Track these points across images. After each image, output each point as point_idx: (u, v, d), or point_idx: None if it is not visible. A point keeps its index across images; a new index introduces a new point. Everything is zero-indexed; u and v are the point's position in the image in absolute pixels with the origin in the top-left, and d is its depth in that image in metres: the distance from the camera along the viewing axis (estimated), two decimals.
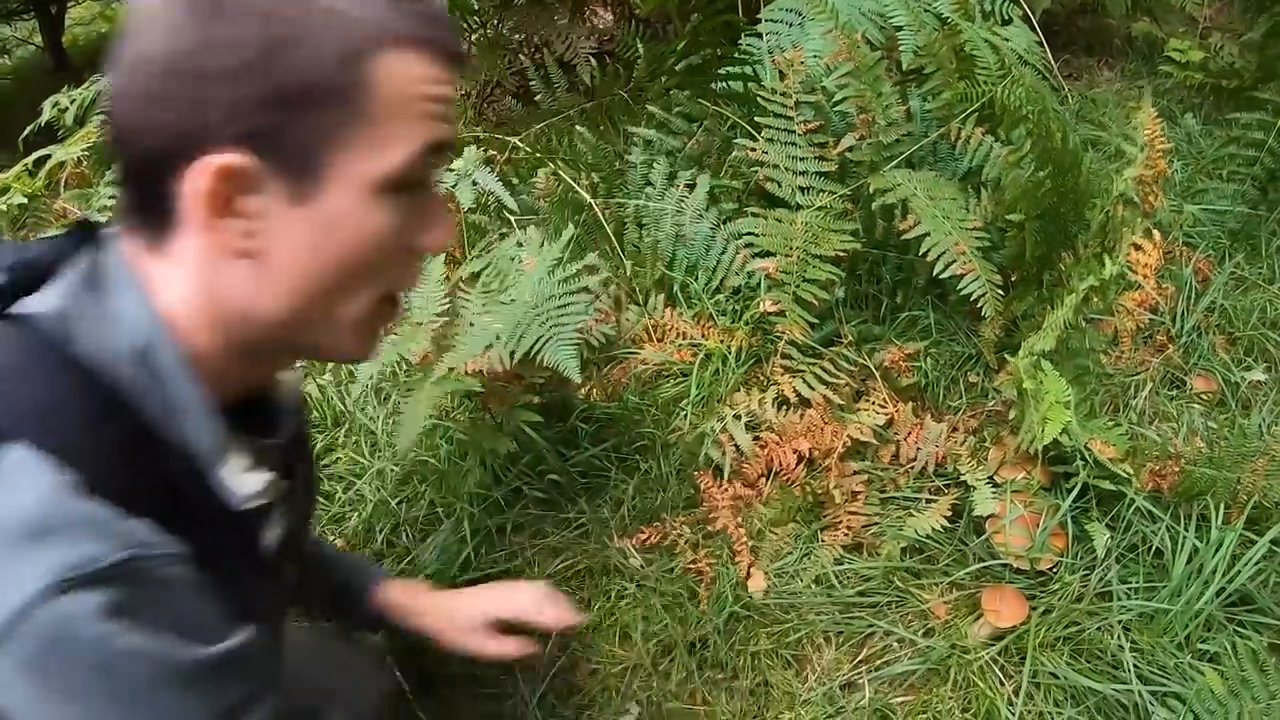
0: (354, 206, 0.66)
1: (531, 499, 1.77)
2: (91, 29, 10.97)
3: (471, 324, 1.51)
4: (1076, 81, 3.33)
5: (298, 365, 0.91)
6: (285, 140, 0.63)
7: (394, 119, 0.65)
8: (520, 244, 1.69)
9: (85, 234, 0.75)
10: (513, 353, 1.43)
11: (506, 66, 2.81)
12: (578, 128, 2.20)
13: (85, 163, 4.23)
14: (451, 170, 1.90)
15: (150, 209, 0.68)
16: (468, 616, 1.26)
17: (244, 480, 0.75)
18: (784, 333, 1.91)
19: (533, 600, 1.30)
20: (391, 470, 1.86)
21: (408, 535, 1.82)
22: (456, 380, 1.44)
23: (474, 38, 2.80)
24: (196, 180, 0.64)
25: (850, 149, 1.99)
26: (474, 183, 1.86)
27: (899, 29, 2.14)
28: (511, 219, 2.03)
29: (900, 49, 2.11)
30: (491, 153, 2.08)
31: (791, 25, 2.40)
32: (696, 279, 2.08)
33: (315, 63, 0.62)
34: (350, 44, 0.63)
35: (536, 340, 1.44)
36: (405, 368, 1.97)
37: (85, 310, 0.69)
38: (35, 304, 0.69)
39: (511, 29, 2.88)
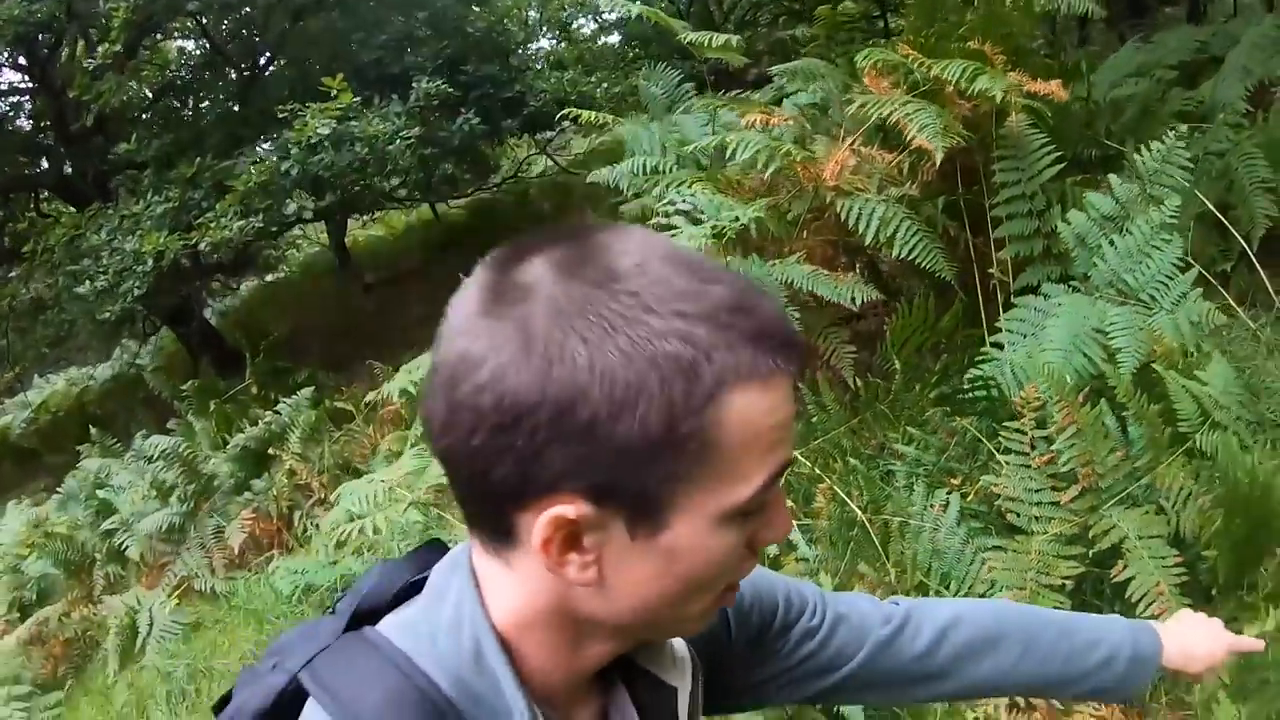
0: (698, 536, 0.66)
1: None
2: (369, 232, 12.60)
3: None
4: None
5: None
6: (628, 489, 0.63)
7: (741, 456, 0.64)
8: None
9: (440, 548, 0.81)
10: None
11: None
12: (850, 460, 2.84)
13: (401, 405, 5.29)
14: None
15: (492, 528, 0.69)
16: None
17: None
18: None
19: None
20: None
21: None
22: None
23: None
24: (536, 526, 0.64)
25: (1074, 499, 2.52)
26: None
27: (1118, 351, 2.63)
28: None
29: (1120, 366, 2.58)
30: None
31: (1026, 336, 2.94)
32: (949, 588, 2.64)
33: (661, 419, 0.61)
34: (696, 396, 0.62)
35: None
36: None
37: (429, 621, 0.73)
38: (391, 619, 0.76)
39: None
